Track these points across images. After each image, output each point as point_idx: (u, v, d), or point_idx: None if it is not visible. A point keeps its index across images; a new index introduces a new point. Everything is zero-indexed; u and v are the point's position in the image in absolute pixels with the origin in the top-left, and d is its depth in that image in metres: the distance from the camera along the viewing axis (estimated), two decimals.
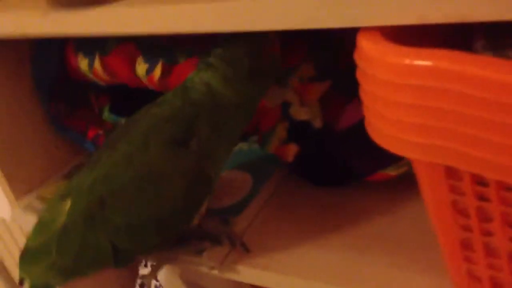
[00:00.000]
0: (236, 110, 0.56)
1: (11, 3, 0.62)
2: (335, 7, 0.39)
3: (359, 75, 0.41)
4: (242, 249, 0.62)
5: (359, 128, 0.60)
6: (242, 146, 0.77)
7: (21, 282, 0.60)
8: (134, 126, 0.56)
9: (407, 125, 0.37)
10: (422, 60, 0.35)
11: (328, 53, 0.65)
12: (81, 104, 0.85)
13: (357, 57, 0.40)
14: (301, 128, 0.64)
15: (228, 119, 0.56)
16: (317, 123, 0.62)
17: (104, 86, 0.78)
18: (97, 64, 0.73)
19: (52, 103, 0.81)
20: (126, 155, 0.53)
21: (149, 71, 0.69)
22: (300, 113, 0.62)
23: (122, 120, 0.79)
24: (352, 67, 0.67)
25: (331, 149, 0.62)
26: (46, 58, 0.78)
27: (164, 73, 0.68)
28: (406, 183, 0.60)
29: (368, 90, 0.39)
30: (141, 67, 0.69)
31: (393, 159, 0.58)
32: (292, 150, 0.64)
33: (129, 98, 0.84)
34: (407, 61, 0.35)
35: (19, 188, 0.80)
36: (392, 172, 0.60)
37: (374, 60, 0.37)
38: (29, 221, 0.78)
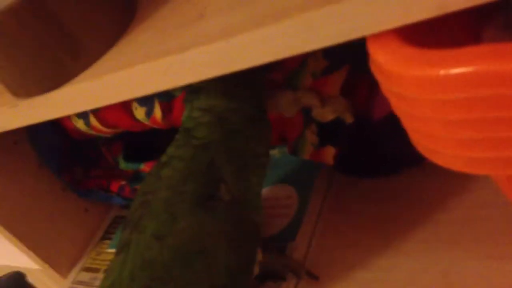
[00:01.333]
0: (247, 122, 0.49)
1: None
2: (332, 19, 0.31)
3: (384, 91, 0.32)
4: (310, 278, 0.55)
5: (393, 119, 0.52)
6: (274, 153, 0.69)
7: None
8: (152, 197, 0.49)
9: (463, 142, 0.29)
10: (465, 66, 0.26)
11: None
12: (95, 160, 0.79)
13: (375, 71, 0.32)
14: (333, 128, 0.55)
15: (245, 138, 0.49)
16: (348, 118, 0.54)
17: (112, 137, 0.72)
18: (93, 121, 0.66)
19: (64, 172, 0.75)
20: (155, 235, 0.46)
21: (149, 113, 0.62)
22: (325, 115, 0.54)
23: (141, 166, 0.73)
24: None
25: (374, 140, 0.54)
26: (43, 132, 0.72)
27: (165, 112, 0.61)
28: None
29: (402, 109, 0.31)
30: (138, 112, 0.62)
31: None
32: (330, 153, 0.56)
33: (141, 140, 0.77)
34: (445, 71, 0.27)
35: (63, 265, 0.76)
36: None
37: (399, 76, 0.29)
38: None
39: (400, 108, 0.32)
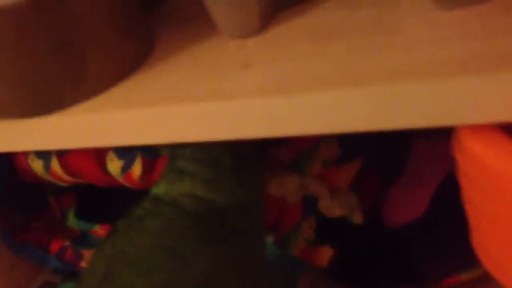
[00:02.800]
0: (239, 214, 0.43)
1: None
2: (429, 98, 0.26)
3: (467, 188, 0.27)
4: None
5: (425, 225, 0.47)
6: None
7: None
8: (136, 250, 0.41)
9: None
10: None
11: None
12: (38, 210, 0.68)
13: (463, 160, 0.26)
14: (335, 226, 0.49)
15: (236, 225, 0.43)
16: (357, 219, 0.48)
17: (65, 186, 0.63)
18: (54, 165, 0.57)
19: (2, 215, 0.64)
20: (163, 286, 0.39)
21: (126, 168, 0.54)
22: (332, 209, 0.48)
23: (95, 227, 0.63)
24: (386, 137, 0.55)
25: (386, 250, 0.48)
26: None
27: (146, 170, 0.53)
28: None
29: (485, 207, 0.25)
30: (114, 165, 0.54)
31: (470, 263, 0.44)
32: (326, 254, 0.50)
33: (97, 197, 0.68)
34: None
35: None
36: (464, 276, 0.46)
37: (498, 172, 0.24)
38: None
39: (481, 206, 0.26)
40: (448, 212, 0.43)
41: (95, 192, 0.67)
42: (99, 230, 0.63)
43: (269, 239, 0.56)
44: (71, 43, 0.36)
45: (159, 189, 0.45)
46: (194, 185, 0.44)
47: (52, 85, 0.36)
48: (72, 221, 0.65)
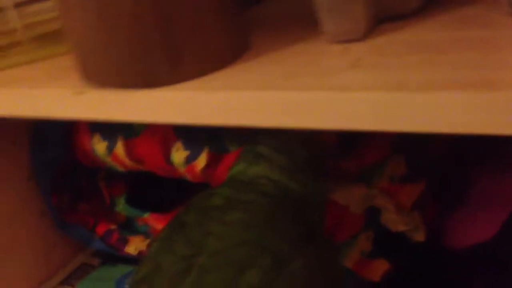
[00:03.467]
0: (314, 209, 0.43)
1: (23, 77, 0.47)
2: None
3: None
4: None
5: (491, 249, 0.47)
6: None
7: None
8: (221, 244, 0.39)
9: None
10: None
11: (418, 144, 0.52)
12: (88, 194, 0.70)
13: None
14: (393, 241, 0.50)
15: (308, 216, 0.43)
16: (419, 236, 0.48)
17: (119, 173, 0.64)
18: (119, 148, 0.58)
19: (54, 194, 0.65)
20: (259, 286, 0.37)
21: (190, 159, 0.55)
22: (397, 223, 0.48)
23: (145, 214, 0.64)
24: (447, 158, 0.56)
25: (441, 272, 0.48)
26: (49, 140, 0.63)
27: (210, 163, 0.54)
28: None
29: None
30: (178, 155, 0.55)
31: None
32: (381, 267, 0.50)
33: (148, 186, 0.69)
34: None
35: None
36: None
37: None
38: None
39: None
40: None
41: (146, 182, 0.68)
42: (148, 218, 0.64)
43: None
44: (173, 21, 0.37)
45: (235, 169, 0.44)
46: (270, 169, 0.43)
47: (153, 61, 0.38)
48: (123, 207, 0.66)
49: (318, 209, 0.44)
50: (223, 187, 0.44)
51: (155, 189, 0.68)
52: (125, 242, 0.65)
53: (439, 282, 0.48)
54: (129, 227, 0.67)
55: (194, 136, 0.55)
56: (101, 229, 0.66)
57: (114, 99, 0.39)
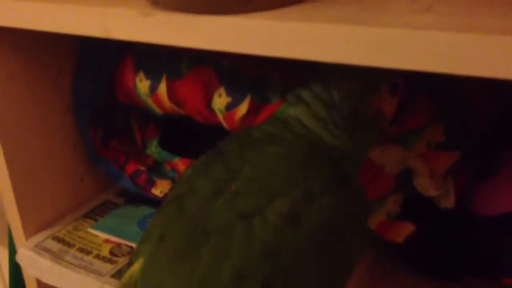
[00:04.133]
0: (343, 158, 0.44)
1: None
2: None
3: None
4: None
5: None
6: None
7: None
8: (257, 173, 0.41)
9: None
10: None
11: (459, 115, 0.53)
12: (121, 133, 0.71)
13: None
14: (423, 205, 0.51)
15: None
16: (448, 203, 0.49)
17: (156, 116, 0.65)
18: (162, 88, 0.59)
19: (91, 127, 0.66)
20: (288, 215, 0.38)
21: (232, 106, 0.56)
22: (428, 187, 0.49)
23: (176, 159, 0.65)
24: (486, 135, 0.57)
25: (469, 239, 0.49)
26: (93, 72, 0.65)
27: (250, 111, 0.55)
28: None
29: None
30: (221, 100, 0.56)
31: None
32: (405, 230, 0.51)
33: (181, 132, 0.71)
34: None
35: (32, 225, 0.65)
36: None
37: None
38: (37, 264, 0.62)
39: None
40: None
41: (180, 128, 0.69)
42: (177, 162, 0.66)
43: None
44: None
45: (278, 110, 0.46)
46: (307, 115, 0.44)
47: None
48: (154, 150, 0.67)
49: (353, 163, 0.45)
50: (264, 123, 0.46)
51: (188, 136, 0.69)
52: (153, 183, 0.66)
53: (464, 249, 0.49)
54: (157, 171, 0.68)
55: (238, 82, 0.56)
56: (130, 168, 0.67)
57: (182, 23, 0.40)
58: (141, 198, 0.70)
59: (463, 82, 0.56)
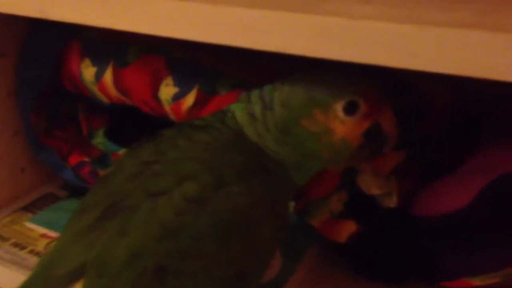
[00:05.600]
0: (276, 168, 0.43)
1: None
2: None
3: None
4: None
5: (456, 220, 0.48)
6: None
7: None
8: (179, 156, 0.41)
9: None
10: None
11: (408, 114, 0.53)
12: (66, 122, 0.68)
13: None
14: (365, 204, 0.50)
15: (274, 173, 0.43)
16: (392, 202, 0.49)
17: (103, 105, 0.63)
18: (108, 76, 0.57)
19: (34, 114, 0.64)
20: (192, 198, 0.38)
21: (178, 96, 0.54)
22: (372, 186, 0.49)
23: (120, 150, 0.63)
24: (437, 135, 0.56)
25: (404, 239, 0.49)
26: (38, 58, 0.62)
27: (198, 103, 0.54)
28: None
29: None
30: (168, 90, 0.55)
31: (489, 266, 0.46)
32: (348, 229, 0.51)
33: (129, 124, 0.68)
34: None
35: None
36: (477, 282, 0.47)
37: None
38: None
39: None
40: (488, 213, 0.44)
41: (127, 119, 0.67)
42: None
43: (290, 206, 0.57)
44: None
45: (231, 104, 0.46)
46: (243, 110, 0.44)
47: None
48: (100, 140, 0.65)
49: (281, 167, 0.43)
50: (211, 114, 0.46)
51: (135, 128, 0.67)
52: (96, 176, 0.64)
53: (404, 251, 0.49)
54: (102, 162, 0.66)
55: (186, 72, 0.54)
56: (74, 159, 0.65)
57: (119, 5, 0.39)
58: (86, 191, 0.67)
59: (413, 83, 0.56)
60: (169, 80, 0.55)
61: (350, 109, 0.41)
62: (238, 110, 0.44)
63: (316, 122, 0.41)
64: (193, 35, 0.38)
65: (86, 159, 0.65)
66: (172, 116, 0.56)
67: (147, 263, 0.36)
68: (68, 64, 0.61)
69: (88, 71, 0.59)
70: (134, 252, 0.36)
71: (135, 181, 0.40)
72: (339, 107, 0.41)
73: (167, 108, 0.56)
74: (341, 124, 0.41)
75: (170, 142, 0.43)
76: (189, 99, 0.54)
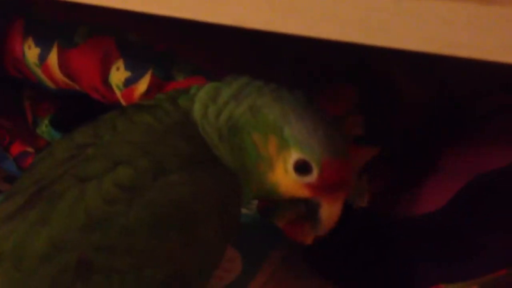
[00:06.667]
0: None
1: None
2: None
3: None
4: None
5: (427, 222, 0.44)
6: None
7: None
8: (115, 139, 0.37)
9: None
10: None
11: (383, 109, 0.49)
12: (9, 109, 0.63)
13: None
14: None
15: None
16: (362, 202, 0.45)
17: (48, 91, 0.57)
18: (52, 58, 0.52)
19: None
20: (124, 185, 0.34)
21: (130, 81, 0.49)
22: None
23: None
24: (411, 132, 0.53)
25: (376, 243, 0.45)
26: None
27: (151, 89, 0.49)
28: None
29: None
30: (119, 75, 0.50)
31: (467, 274, 0.42)
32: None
33: (75, 111, 0.63)
34: None
35: None
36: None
37: None
38: None
39: None
40: (464, 217, 0.41)
41: (75, 107, 0.62)
42: None
43: (253, 205, 0.53)
44: None
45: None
46: (203, 95, 0.38)
47: None
48: (45, 129, 0.60)
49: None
50: (164, 92, 0.42)
51: (84, 116, 0.62)
52: None
53: (377, 254, 0.45)
54: None
55: (139, 56, 0.49)
56: (16, 149, 0.59)
57: None
58: None
59: (391, 75, 0.53)
60: (120, 63, 0.50)
61: (300, 168, 0.36)
62: (198, 94, 0.39)
63: (266, 147, 0.36)
64: (146, 7, 0.33)
65: (29, 149, 0.59)
66: (123, 103, 0.51)
67: (69, 256, 0.32)
68: (10, 45, 0.55)
69: (31, 52, 0.53)
70: (55, 244, 0.32)
71: (66, 165, 0.36)
72: (293, 155, 0.36)
73: (119, 94, 0.51)
74: (282, 172, 0.37)
75: (109, 124, 0.38)
76: (142, 85, 0.49)
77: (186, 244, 0.34)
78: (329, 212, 0.38)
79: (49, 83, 0.55)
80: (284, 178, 0.37)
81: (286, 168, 0.36)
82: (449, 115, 0.54)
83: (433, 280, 0.42)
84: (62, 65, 0.52)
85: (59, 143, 0.40)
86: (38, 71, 0.54)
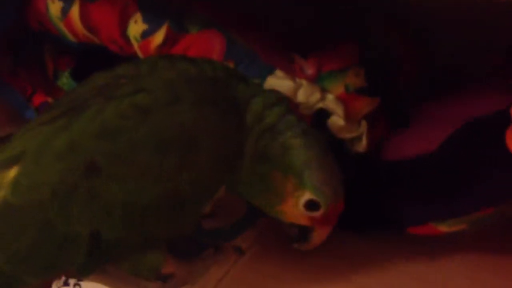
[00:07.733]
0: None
1: None
2: None
3: None
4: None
5: (418, 164, 0.48)
6: None
7: None
8: (148, 76, 0.42)
9: None
10: None
11: (383, 63, 0.52)
12: (31, 62, 0.66)
13: None
14: (334, 149, 0.49)
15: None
16: (361, 147, 0.48)
17: (69, 44, 0.60)
18: (74, 11, 0.55)
19: None
20: (138, 106, 0.39)
21: (147, 34, 0.52)
22: (342, 129, 0.48)
23: None
24: (409, 89, 0.56)
25: (370, 185, 0.48)
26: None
27: (167, 41, 0.52)
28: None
29: None
30: (136, 27, 0.53)
31: (455, 212, 0.45)
32: None
33: (97, 66, 0.66)
34: None
35: None
36: (444, 228, 0.46)
37: None
38: None
39: None
40: (455, 159, 0.44)
41: (95, 61, 0.65)
42: None
43: None
44: None
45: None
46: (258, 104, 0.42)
47: None
48: (65, 81, 0.63)
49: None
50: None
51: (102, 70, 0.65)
52: None
53: (369, 197, 0.48)
54: None
55: (156, 9, 0.52)
56: (38, 99, 0.63)
57: None
58: None
59: (391, 30, 0.55)
60: (137, 16, 0.53)
61: (310, 206, 0.41)
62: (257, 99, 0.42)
63: (283, 185, 0.41)
64: None
65: (50, 100, 0.63)
66: (140, 55, 0.54)
67: (80, 158, 0.37)
68: (34, 1, 0.58)
69: (54, 6, 0.56)
70: (71, 146, 0.37)
71: (100, 90, 0.41)
72: (306, 195, 0.41)
73: (136, 46, 0.54)
74: (292, 205, 0.41)
75: (151, 63, 0.43)
76: (158, 37, 0.52)
77: (183, 166, 0.38)
78: (320, 236, 0.44)
79: (70, 37, 0.58)
80: (292, 210, 0.42)
81: (296, 204, 0.41)
82: (443, 76, 0.57)
83: (423, 219, 0.46)
84: (83, 18, 0.55)
85: (100, 73, 0.44)
86: (61, 25, 0.57)
